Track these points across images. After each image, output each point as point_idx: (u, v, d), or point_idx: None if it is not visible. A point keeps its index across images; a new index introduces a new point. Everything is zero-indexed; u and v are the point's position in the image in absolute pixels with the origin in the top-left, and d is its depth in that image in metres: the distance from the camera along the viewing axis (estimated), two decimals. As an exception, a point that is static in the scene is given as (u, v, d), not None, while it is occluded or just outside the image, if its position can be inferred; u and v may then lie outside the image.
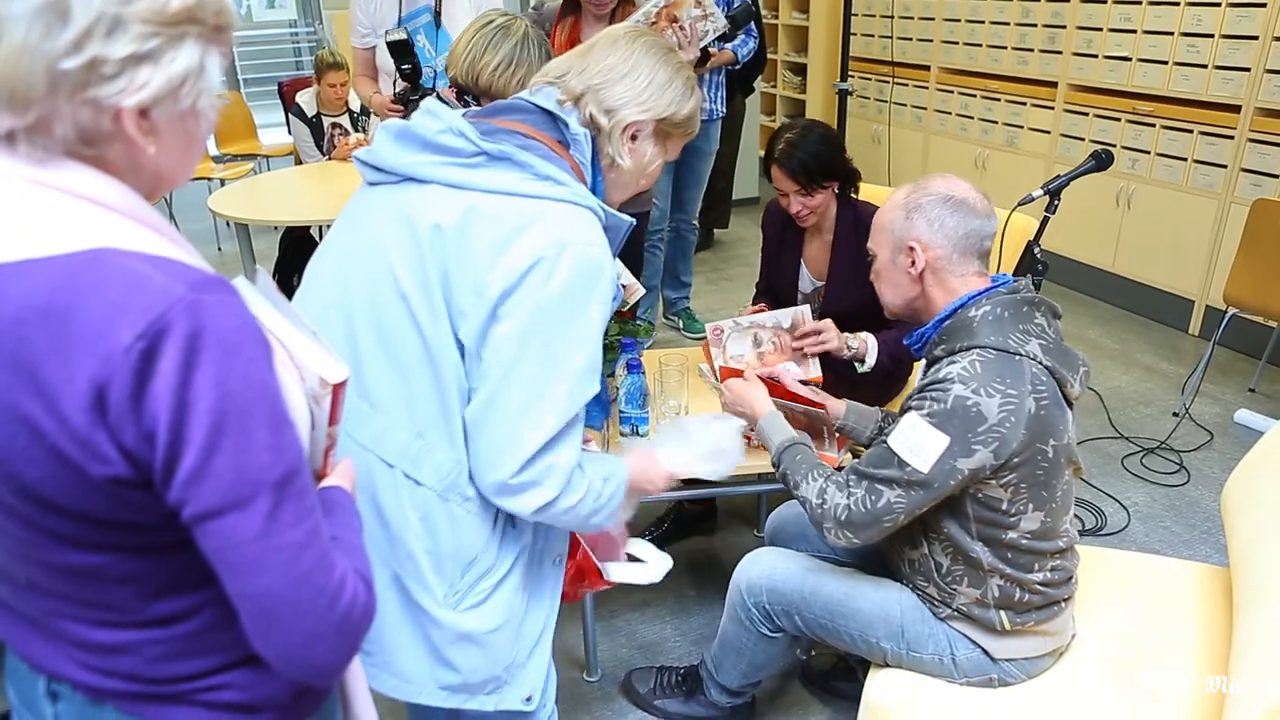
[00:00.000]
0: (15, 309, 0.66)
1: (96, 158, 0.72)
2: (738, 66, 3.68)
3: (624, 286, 2.13)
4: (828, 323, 2.07)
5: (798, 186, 2.14)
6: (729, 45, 3.52)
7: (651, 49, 1.25)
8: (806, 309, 2.11)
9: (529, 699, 1.30)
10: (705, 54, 3.38)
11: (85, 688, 0.79)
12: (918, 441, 1.38)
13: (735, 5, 3.45)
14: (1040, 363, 1.40)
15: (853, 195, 2.25)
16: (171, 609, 0.77)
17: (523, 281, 1.09)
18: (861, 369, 2.09)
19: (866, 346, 2.07)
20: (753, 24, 3.56)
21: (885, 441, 1.43)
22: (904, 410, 1.45)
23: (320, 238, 4.00)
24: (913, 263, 1.49)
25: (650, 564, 1.47)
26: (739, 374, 1.82)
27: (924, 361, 1.55)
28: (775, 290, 2.37)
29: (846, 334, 2.09)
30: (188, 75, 0.72)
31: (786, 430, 1.63)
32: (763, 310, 2.15)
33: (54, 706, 0.81)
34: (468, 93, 2.14)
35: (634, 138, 1.26)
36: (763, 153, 6.40)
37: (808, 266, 2.33)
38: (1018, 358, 1.39)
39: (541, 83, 1.26)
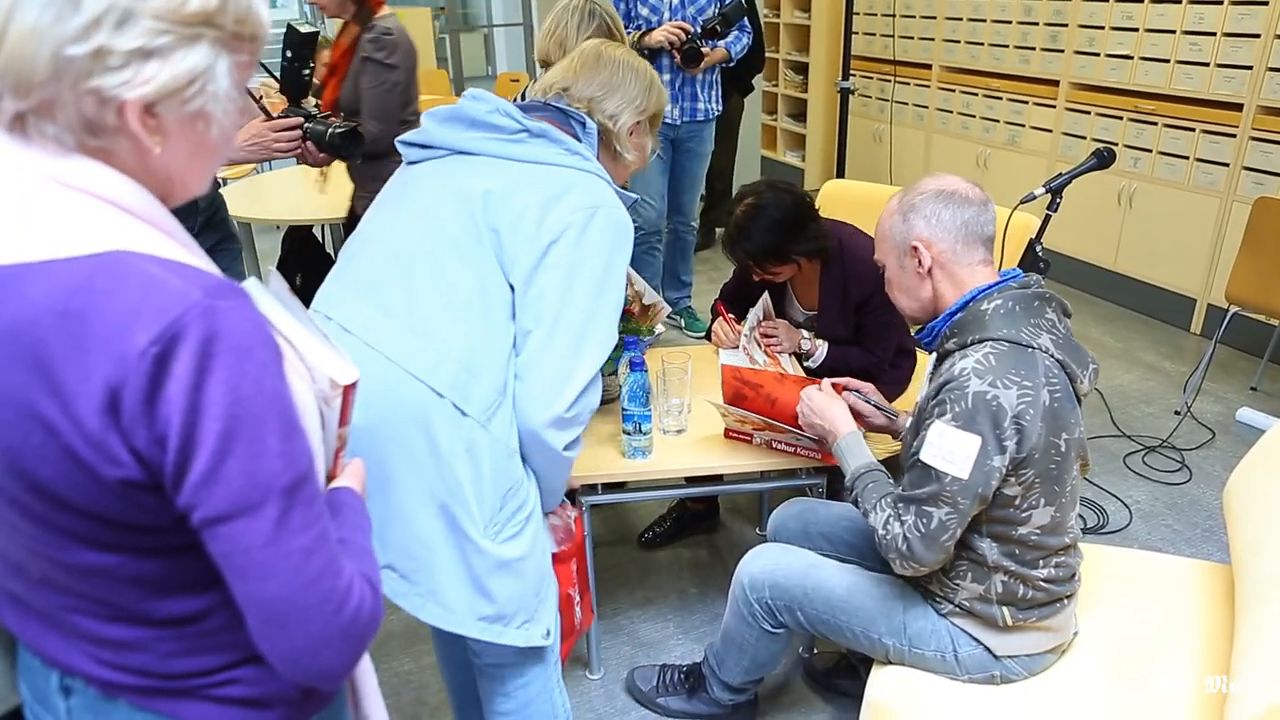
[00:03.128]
0: (34, 310, 0.67)
1: (106, 152, 0.72)
2: (732, 64, 3.66)
3: (647, 304, 2.15)
4: (783, 323, 2.24)
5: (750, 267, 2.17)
6: (722, 43, 3.49)
7: (630, 60, 1.51)
8: (766, 298, 2.26)
9: (547, 633, 1.43)
10: (699, 54, 3.38)
11: (98, 682, 0.80)
12: (950, 449, 1.37)
13: (728, 2, 3.43)
14: (1052, 356, 1.40)
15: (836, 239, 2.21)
16: (182, 609, 0.78)
17: (565, 234, 1.29)
18: (806, 363, 2.25)
19: (816, 349, 2.23)
20: (746, 19, 3.53)
21: (918, 458, 1.42)
22: (925, 421, 1.43)
23: (323, 238, 3.98)
24: (919, 262, 1.50)
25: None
26: (766, 374, 1.83)
27: (933, 356, 1.55)
28: (752, 296, 2.34)
29: (802, 331, 2.25)
30: (195, 76, 0.72)
31: (865, 454, 1.61)
32: (730, 318, 2.27)
33: (67, 701, 0.82)
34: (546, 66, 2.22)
35: (632, 134, 1.50)
36: (764, 152, 6.41)
37: (795, 293, 2.35)
38: (1030, 350, 1.39)
39: (555, 93, 1.48)
